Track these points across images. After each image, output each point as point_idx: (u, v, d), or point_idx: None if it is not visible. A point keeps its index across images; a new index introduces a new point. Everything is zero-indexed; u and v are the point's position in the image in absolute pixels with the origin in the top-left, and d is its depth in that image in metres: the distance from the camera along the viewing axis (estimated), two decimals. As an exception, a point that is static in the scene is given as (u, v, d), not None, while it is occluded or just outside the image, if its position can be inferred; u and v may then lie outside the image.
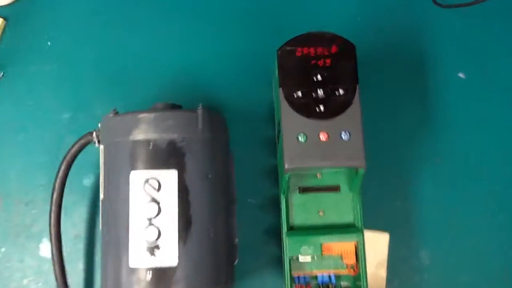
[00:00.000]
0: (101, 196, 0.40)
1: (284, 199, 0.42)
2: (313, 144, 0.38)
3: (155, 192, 0.37)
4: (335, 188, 0.43)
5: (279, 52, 0.40)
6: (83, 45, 0.48)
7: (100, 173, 0.40)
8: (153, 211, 0.37)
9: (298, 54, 0.39)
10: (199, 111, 0.39)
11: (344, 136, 0.38)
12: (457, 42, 0.48)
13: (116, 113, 0.40)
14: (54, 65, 0.48)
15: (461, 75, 0.47)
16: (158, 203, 0.37)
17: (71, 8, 0.49)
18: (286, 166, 0.38)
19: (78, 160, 0.43)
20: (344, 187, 0.43)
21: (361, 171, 0.39)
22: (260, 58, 0.46)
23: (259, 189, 0.45)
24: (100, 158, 0.40)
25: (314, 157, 0.38)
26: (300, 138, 0.38)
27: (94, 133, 0.41)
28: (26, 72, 0.48)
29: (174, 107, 0.41)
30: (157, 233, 0.37)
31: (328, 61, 0.39)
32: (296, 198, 0.43)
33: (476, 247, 0.45)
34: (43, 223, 0.45)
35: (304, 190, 0.43)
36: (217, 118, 0.41)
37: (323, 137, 0.38)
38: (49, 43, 0.48)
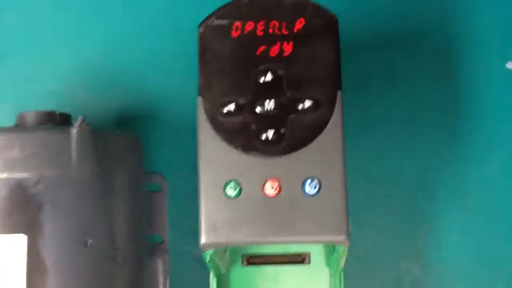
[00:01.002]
0: None
1: (215, 279, 0.31)
2: (252, 202, 0.27)
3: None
4: (302, 259, 0.33)
5: (200, 29, 0.29)
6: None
7: None
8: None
9: (234, 33, 0.29)
10: (74, 130, 0.30)
11: (310, 187, 0.27)
12: (505, 21, 0.41)
13: None
14: None
15: (509, 65, 0.41)
16: (-12, 293, 0.29)
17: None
18: (202, 241, 0.27)
19: None
20: (316, 257, 0.33)
21: (341, 248, 0.28)
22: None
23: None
24: None
25: (252, 226, 0.27)
26: (228, 190, 0.27)
27: None
28: None
29: (53, 119, 0.32)
30: None
31: (288, 47, 0.29)
32: (238, 273, 0.34)
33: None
34: None
35: (250, 260, 0.34)
36: (115, 139, 0.32)
37: (271, 189, 0.27)
38: None
